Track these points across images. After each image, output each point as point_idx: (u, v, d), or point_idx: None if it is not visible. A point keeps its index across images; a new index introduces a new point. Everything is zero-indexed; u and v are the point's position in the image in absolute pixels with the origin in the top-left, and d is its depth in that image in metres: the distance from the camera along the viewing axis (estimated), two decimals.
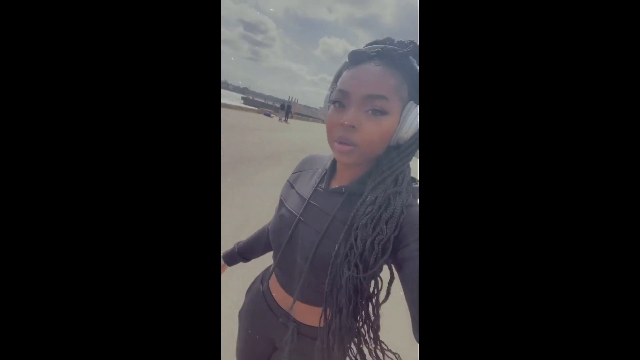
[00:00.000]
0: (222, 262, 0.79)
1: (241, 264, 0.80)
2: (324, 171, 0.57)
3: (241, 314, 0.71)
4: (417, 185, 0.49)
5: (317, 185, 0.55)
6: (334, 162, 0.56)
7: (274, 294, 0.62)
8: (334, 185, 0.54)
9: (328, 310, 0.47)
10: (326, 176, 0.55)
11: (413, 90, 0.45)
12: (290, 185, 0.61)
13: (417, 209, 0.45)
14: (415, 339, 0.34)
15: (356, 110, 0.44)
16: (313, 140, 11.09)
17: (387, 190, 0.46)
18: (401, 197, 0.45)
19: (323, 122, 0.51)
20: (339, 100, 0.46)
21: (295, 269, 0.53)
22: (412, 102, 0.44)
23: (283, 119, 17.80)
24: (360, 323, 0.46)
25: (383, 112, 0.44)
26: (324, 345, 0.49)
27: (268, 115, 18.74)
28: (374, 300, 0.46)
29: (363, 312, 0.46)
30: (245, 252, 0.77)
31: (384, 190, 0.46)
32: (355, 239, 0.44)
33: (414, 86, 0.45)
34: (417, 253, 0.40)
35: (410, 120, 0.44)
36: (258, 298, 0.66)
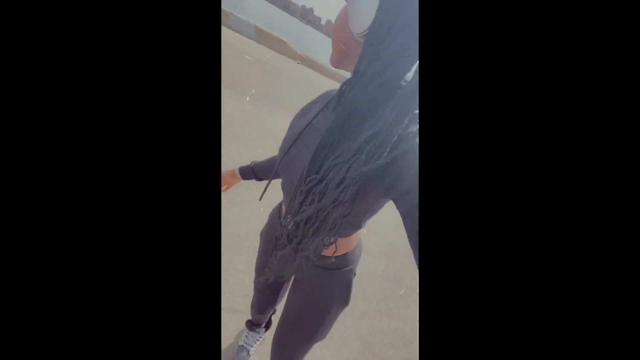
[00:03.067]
0: (237, 173, 0.83)
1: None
2: (333, 95, 0.54)
3: (262, 233, 0.79)
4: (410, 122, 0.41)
5: (322, 109, 0.53)
6: (343, 84, 0.53)
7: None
8: None
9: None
10: (335, 97, 0.52)
11: None
12: (302, 112, 0.61)
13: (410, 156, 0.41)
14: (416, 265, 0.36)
15: None
16: None
17: (330, 158, 0.43)
18: (343, 169, 0.41)
19: None
20: None
21: (291, 189, 0.53)
22: None
23: None
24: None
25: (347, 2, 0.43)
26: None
27: None
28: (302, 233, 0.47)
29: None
30: (258, 172, 0.80)
31: (339, 154, 0.43)
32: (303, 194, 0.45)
33: None
34: (411, 195, 0.40)
35: None
36: (275, 218, 0.72)
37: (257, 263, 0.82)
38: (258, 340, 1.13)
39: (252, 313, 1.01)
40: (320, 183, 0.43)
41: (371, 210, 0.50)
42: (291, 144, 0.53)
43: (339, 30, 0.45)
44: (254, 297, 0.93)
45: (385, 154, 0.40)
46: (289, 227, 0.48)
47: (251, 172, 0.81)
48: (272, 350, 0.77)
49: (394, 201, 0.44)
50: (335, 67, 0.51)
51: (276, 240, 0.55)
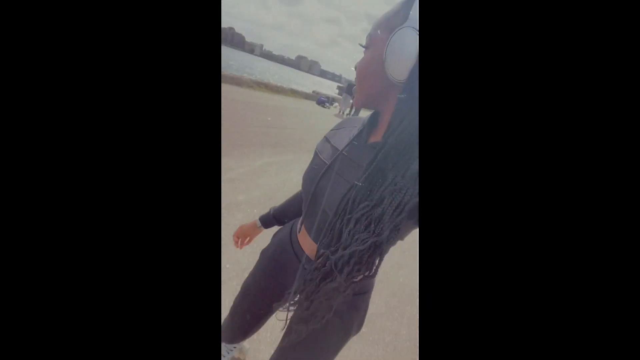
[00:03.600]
0: (259, 224, 0.81)
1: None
2: (362, 127, 0.55)
3: (265, 253, 0.72)
4: None
5: (353, 140, 0.54)
6: (372, 115, 0.54)
7: (301, 242, 0.61)
8: (372, 140, 0.52)
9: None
10: (365, 130, 0.53)
11: (412, 15, 0.40)
12: (327, 139, 0.60)
13: None
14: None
15: None
16: None
17: (384, 184, 0.43)
18: (399, 195, 0.41)
19: None
20: None
21: (322, 218, 0.52)
22: (407, 27, 0.40)
23: (347, 110, 9.44)
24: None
25: (366, 47, 0.48)
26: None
27: (322, 103, 10.73)
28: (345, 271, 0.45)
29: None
30: (279, 216, 0.78)
31: (381, 179, 0.44)
32: (346, 226, 0.44)
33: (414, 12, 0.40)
34: None
35: (398, 44, 0.41)
36: (285, 243, 0.66)
37: (253, 283, 0.73)
38: (231, 350, 0.98)
39: (225, 338, 0.85)
40: (375, 209, 0.43)
41: (403, 236, 0.51)
42: (323, 171, 0.53)
43: (369, 77, 0.48)
44: (231, 321, 0.81)
45: None
46: (337, 257, 0.45)
47: (272, 219, 0.80)
48: None
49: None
50: (360, 107, 0.52)
51: (313, 274, 0.49)
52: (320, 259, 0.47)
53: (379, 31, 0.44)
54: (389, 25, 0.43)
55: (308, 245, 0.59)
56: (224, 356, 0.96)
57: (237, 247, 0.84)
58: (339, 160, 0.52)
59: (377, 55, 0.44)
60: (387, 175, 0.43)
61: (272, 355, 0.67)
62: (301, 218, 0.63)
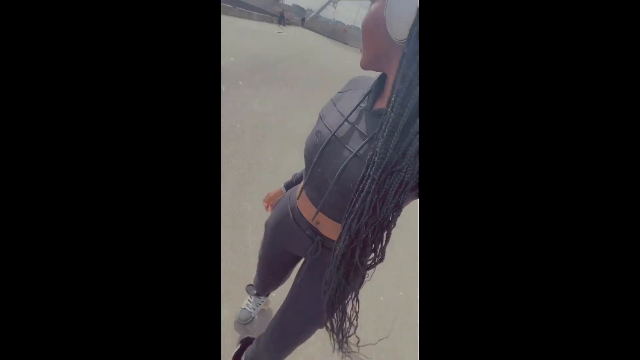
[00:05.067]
0: (284, 189, 0.86)
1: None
2: (368, 90, 0.53)
3: (268, 224, 0.77)
4: None
5: (359, 105, 0.52)
6: (379, 79, 0.52)
7: (300, 207, 0.62)
8: (378, 106, 0.50)
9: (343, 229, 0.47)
10: (370, 95, 0.51)
11: None
12: (333, 103, 0.58)
13: None
14: None
15: None
16: None
17: (383, 163, 0.41)
18: (400, 175, 0.40)
19: None
20: None
21: (323, 186, 0.52)
22: None
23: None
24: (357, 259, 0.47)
25: (372, 0, 0.44)
26: (332, 263, 0.50)
27: None
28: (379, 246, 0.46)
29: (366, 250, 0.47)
30: (301, 181, 0.79)
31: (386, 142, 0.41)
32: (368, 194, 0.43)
33: None
34: None
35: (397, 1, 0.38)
36: (285, 212, 0.69)
37: (263, 254, 0.83)
38: (260, 304, 1.17)
39: (259, 291, 1.05)
40: (380, 191, 0.42)
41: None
42: (327, 140, 0.51)
43: (372, 35, 0.45)
44: (259, 280, 0.96)
45: None
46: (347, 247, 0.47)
47: (296, 184, 0.83)
48: (270, 334, 0.75)
49: None
50: (365, 69, 0.51)
51: (339, 256, 0.49)
52: (337, 251, 0.49)
53: None
54: None
55: (307, 209, 0.59)
56: (257, 306, 1.16)
57: (268, 210, 0.92)
58: (343, 128, 0.51)
59: (379, 11, 0.41)
60: (388, 152, 0.41)
61: (288, 295, 0.75)
62: (301, 184, 0.63)
